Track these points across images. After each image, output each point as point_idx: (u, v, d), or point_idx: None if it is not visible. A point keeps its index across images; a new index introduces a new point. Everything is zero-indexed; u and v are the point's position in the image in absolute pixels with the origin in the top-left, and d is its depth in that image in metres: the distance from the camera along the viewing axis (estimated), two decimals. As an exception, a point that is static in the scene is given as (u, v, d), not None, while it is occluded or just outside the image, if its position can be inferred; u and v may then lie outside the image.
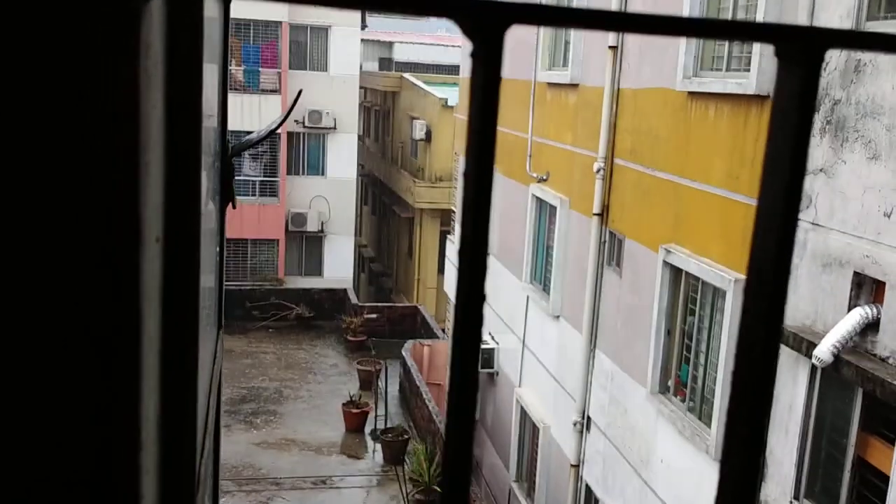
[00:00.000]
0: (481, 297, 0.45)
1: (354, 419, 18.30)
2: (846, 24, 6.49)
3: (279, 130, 26.12)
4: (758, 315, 0.53)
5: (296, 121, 26.61)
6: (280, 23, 26.06)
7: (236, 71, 26.18)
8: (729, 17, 8.31)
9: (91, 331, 0.44)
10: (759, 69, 7.53)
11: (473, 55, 0.47)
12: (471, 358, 0.50)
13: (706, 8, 8.66)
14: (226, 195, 1.43)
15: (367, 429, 18.27)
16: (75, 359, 0.44)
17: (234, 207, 1.51)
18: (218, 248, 1.46)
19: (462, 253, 0.45)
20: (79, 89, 0.41)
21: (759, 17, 7.51)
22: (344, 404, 18.53)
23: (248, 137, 2.71)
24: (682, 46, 8.80)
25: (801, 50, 0.49)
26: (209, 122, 1.31)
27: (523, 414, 13.58)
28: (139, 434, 0.47)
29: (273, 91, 26.21)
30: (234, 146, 1.68)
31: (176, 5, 0.58)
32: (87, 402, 0.44)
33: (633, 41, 10.22)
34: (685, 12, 8.77)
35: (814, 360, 6.32)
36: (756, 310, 0.52)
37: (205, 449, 1.16)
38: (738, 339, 0.56)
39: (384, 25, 46.83)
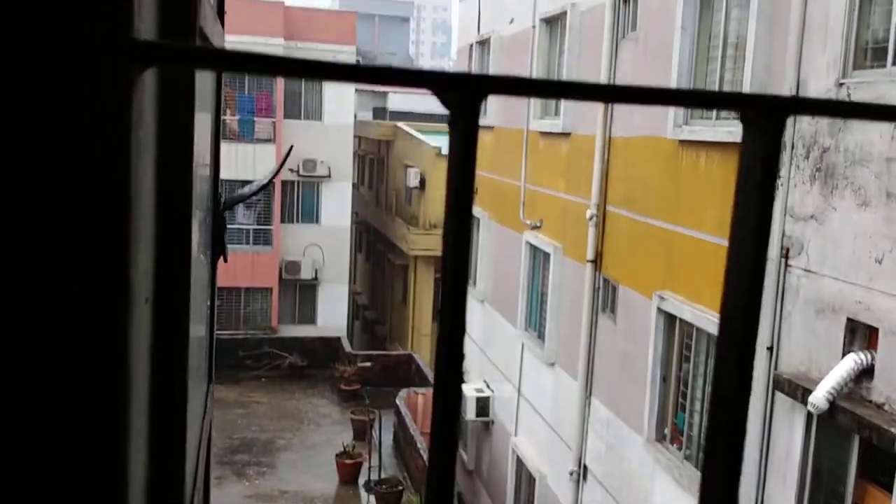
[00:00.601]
0: (459, 380, 0.46)
1: (348, 470, 18.08)
2: (833, 73, 6.60)
3: (273, 179, 26.25)
4: (730, 368, 0.55)
5: (290, 169, 26.76)
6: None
7: (231, 121, 26.41)
8: (717, 66, 8.45)
9: (79, 392, 0.45)
10: (747, 118, 7.63)
11: (450, 123, 0.50)
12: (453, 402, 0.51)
13: (695, 57, 8.82)
14: (217, 249, 1.45)
15: (361, 480, 18.04)
16: (62, 423, 0.45)
17: (225, 261, 1.53)
18: (209, 302, 1.47)
19: (442, 323, 0.47)
20: (71, 157, 0.43)
21: (748, 66, 7.64)
22: (337, 455, 18.33)
23: (240, 192, 2.74)
24: (672, 96, 8.93)
25: (764, 117, 0.51)
26: (202, 175, 1.34)
27: (519, 463, 13.45)
28: (126, 496, 0.48)
29: (268, 140, 26.42)
30: (226, 200, 1.71)
31: (169, 75, 0.60)
32: (74, 466, 0.45)
33: (623, 91, 10.36)
34: (674, 64, 8.92)
35: (809, 407, 6.30)
36: (728, 365, 0.53)
37: None
38: (713, 389, 0.57)
39: (378, 75, 47.33)
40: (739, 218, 0.51)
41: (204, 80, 1.29)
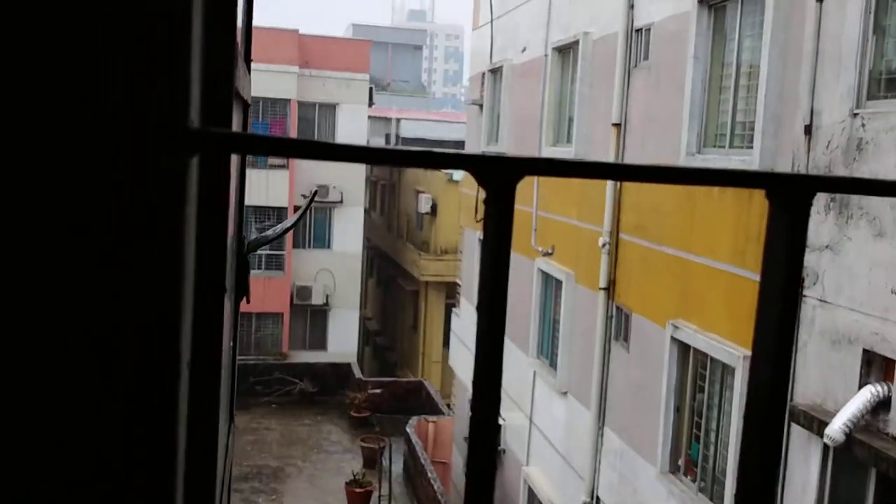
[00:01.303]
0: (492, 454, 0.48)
1: (358, 499, 17.96)
2: (847, 103, 6.60)
3: (287, 205, 26.39)
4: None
5: (303, 195, 26.90)
6: (289, 100, 26.60)
7: (245, 147, 26.56)
8: (730, 95, 8.47)
9: (134, 461, 0.46)
10: (762, 146, 7.64)
11: (486, 202, 0.51)
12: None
13: (708, 86, 8.84)
14: (241, 291, 1.47)
15: (372, 508, 17.92)
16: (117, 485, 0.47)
17: (248, 302, 1.55)
18: (232, 343, 1.49)
19: (475, 394, 0.48)
20: (128, 243, 0.45)
21: (761, 96, 7.66)
22: (347, 483, 18.22)
23: (263, 234, 2.78)
24: (686, 123, 8.95)
25: (790, 196, 0.53)
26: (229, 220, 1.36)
27: (531, 494, 13.34)
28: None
29: (281, 167, 26.58)
30: (250, 243, 1.73)
31: (208, 159, 0.62)
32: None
33: (636, 118, 10.40)
34: (686, 94, 8.94)
35: (826, 440, 6.24)
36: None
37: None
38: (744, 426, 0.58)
39: (391, 102, 47.74)
40: (765, 296, 0.53)
41: (235, 119, 1.32)
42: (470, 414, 0.53)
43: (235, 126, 1.27)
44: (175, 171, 0.45)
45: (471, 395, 0.52)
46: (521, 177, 0.50)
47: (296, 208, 27.20)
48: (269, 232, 2.63)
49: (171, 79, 0.45)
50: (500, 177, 0.49)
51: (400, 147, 0.49)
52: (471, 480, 0.51)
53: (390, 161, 0.49)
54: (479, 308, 0.54)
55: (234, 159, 1.46)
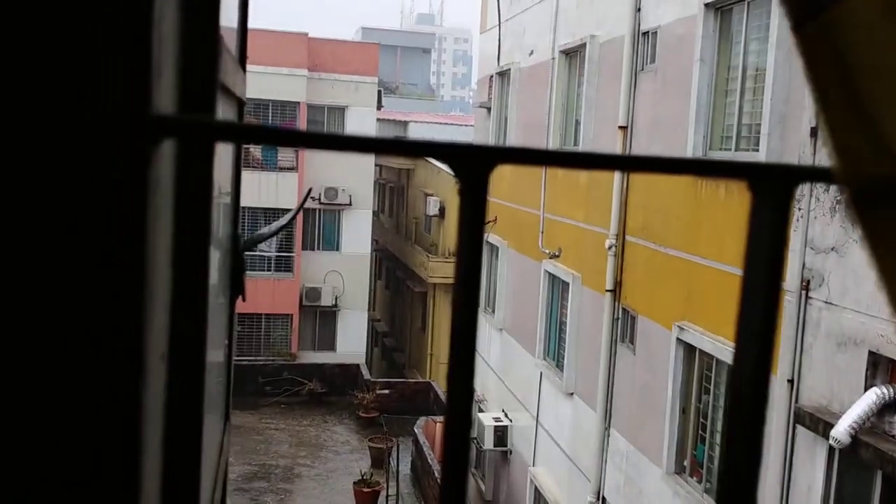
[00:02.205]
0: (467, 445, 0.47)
1: (366, 498, 17.97)
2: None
3: (293, 220, 26.39)
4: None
5: (312, 197, 26.94)
6: (298, 103, 26.65)
7: (255, 149, 26.65)
8: (737, 98, 8.44)
9: (87, 454, 0.46)
10: (768, 148, 7.62)
11: (460, 192, 0.51)
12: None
13: (714, 89, 8.82)
14: (237, 289, 1.47)
15: (379, 508, 17.92)
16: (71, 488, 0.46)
17: (244, 300, 1.54)
18: (227, 340, 1.48)
19: (450, 384, 0.47)
20: (86, 231, 0.45)
21: (767, 98, 7.64)
22: (355, 483, 18.23)
23: (259, 232, 2.78)
24: (692, 125, 8.93)
25: (772, 186, 0.52)
26: (221, 214, 1.35)
27: (537, 494, 13.32)
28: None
29: (290, 169, 26.64)
30: (246, 241, 1.73)
31: (187, 144, 0.62)
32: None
33: (642, 120, 10.38)
34: (693, 97, 8.92)
35: (831, 442, 6.21)
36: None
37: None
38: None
39: (400, 105, 47.81)
40: (748, 287, 0.52)
41: (225, 116, 1.31)
42: (445, 408, 0.52)
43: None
44: (134, 157, 0.44)
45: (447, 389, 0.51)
46: (494, 165, 0.49)
47: (304, 210, 27.24)
48: (265, 230, 2.64)
49: (131, 61, 0.45)
50: (473, 165, 0.49)
51: (368, 135, 0.49)
52: (447, 449, 0.50)
53: (359, 148, 0.48)
54: (453, 301, 0.53)
55: (228, 154, 1.46)
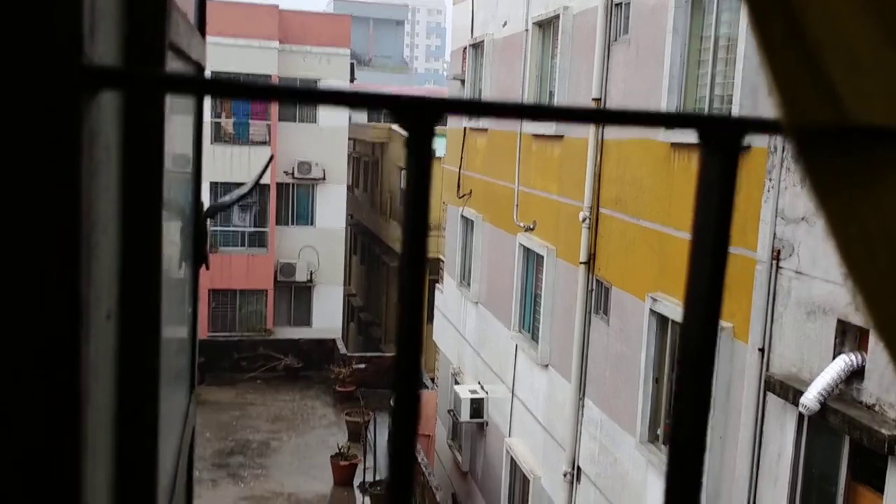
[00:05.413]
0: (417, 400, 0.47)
1: (343, 472, 18.08)
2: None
3: (269, 182, 26.26)
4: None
5: (285, 172, 26.76)
6: (269, 76, 26.37)
7: (226, 123, 26.38)
8: (709, 68, 8.47)
9: (27, 414, 0.45)
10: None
11: (406, 144, 0.50)
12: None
13: (687, 59, 8.83)
14: (199, 257, 1.45)
15: (356, 481, 18.04)
16: (9, 444, 0.45)
17: (207, 269, 1.53)
18: (191, 308, 1.47)
19: (398, 342, 0.47)
20: (18, 181, 0.43)
21: (739, 68, 7.66)
22: (332, 456, 18.33)
23: (221, 200, 2.75)
24: (665, 96, 8.95)
25: (721, 137, 0.52)
26: (181, 182, 1.34)
27: (513, 464, 13.46)
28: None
29: (262, 143, 26.40)
30: (208, 209, 1.71)
31: (132, 98, 0.60)
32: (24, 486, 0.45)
33: (616, 91, 10.38)
34: (665, 67, 8.93)
35: (801, 409, 6.32)
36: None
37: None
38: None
39: (373, 78, 47.43)
40: (698, 237, 0.52)
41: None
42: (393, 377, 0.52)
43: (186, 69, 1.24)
44: (64, 107, 0.43)
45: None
46: (440, 115, 0.49)
47: (278, 185, 27.06)
48: (226, 198, 2.62)
49: (62, 8, 0.43)
50: (418, 116, 0.48)
51: (312, 88, 0.48)
52: (397, 405, 0.50)
53: (303, 100, 0.47)
54: (399, 262, 0.53)
55: (188, 123, 1.44)
